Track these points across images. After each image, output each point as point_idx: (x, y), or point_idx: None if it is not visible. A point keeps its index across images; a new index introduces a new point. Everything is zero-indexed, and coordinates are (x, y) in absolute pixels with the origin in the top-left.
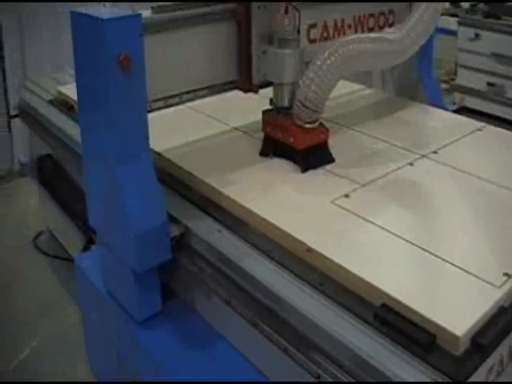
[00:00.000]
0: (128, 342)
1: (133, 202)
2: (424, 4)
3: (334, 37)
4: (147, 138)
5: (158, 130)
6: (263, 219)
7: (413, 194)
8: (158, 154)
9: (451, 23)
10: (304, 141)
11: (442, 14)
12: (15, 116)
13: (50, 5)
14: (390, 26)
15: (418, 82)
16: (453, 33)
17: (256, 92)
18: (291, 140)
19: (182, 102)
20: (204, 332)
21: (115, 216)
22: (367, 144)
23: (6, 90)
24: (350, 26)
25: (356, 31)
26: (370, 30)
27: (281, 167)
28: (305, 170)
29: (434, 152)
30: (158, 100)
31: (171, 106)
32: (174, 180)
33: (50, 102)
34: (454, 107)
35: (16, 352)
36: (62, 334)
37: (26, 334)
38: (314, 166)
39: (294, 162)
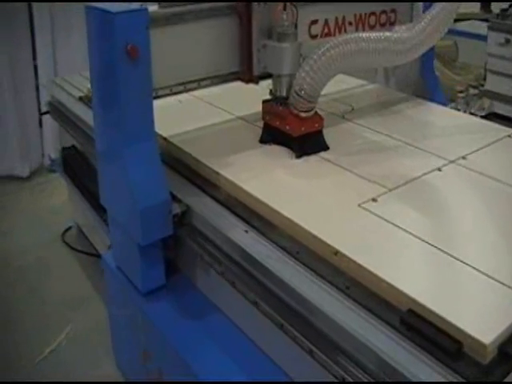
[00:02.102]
0: (152, 337)
1: (138, 180)
2: (439, 6)
3: (334, 33)
4: (153, 121)
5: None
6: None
7: (441, 199)
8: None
9: (481, 28)
10: (299, 128)
11: (473, 19)
12: (46, 113)
13: (82, 3)
14: (392, 24)
15: (420, 79)
16: (483, 38)
17: (256, 83)
18: (287, 128)
19: (187, 91)
20: (203, 304)
21: (122, 194)
22: (394, 147)
23: (37, 87)
24: (350, 23)
25: (357, 28)
26: (372, 27)
27: (277, 153)
28: (299, 156)
29: (463, 158)
30: (164, 88)
31: (176, 93)
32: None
33: (80, 98)
34: (483, 113)
35: (43, 345)
36: (89, 329)
37: (52, 328)
38: (309, 153)
39: (290, 149)
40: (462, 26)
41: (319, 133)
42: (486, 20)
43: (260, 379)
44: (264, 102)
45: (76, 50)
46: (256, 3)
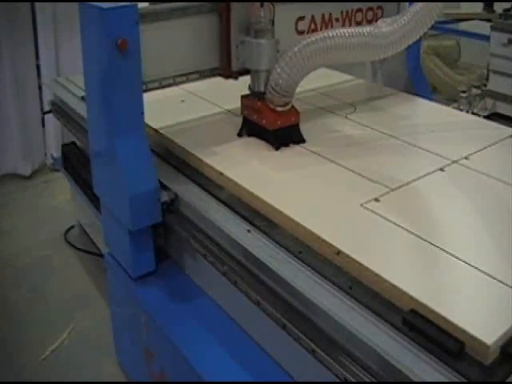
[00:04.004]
0: (154, 337)
1: (128, 169)
2: (421, 3)
3: (321, 29)
4: (142, 113)
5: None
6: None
7: (444, 200)
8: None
9: (484, 28)
10: (275, 122)
11: (475, 19)
12: (48, 112)
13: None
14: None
15: (407, 75)
16: (485, 38)
17: (236, 78)
18: (264, 122)
19: (176, 84)
20: (191, 289)
21: (113, 182)
22: (396, 147)
23: (40, 87)
24: (337, 20)
25: (344, 24)
26: (358, 23)
27: (257, 144)
28: (277, 148)
29: (466, 158)
30: (153, 81)
31: (165, 87)
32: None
33: (83, 98)
34: (486, 113)
35: (45, 344)
36: (90, 328)
37: (55, 327)
38: (286, 145)
39: (267, 142)
40: (465, 26)
41: (295, 126)
42: (488, 20)
43: (243, 358)
44: (243, 96)
45: (78, 49)
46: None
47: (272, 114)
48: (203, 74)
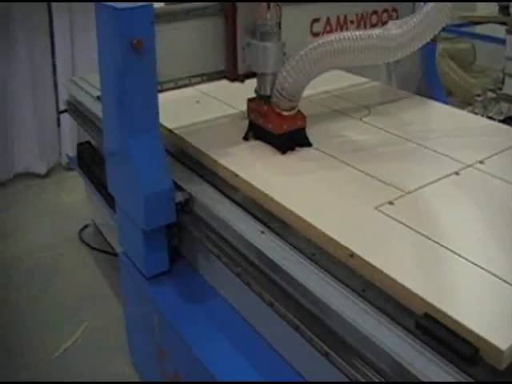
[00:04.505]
0: (167, 336)
1: (142, 169)
2: (431, 4)
3: (336, 31)
4: (157, 113)
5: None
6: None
7: (459, 204)
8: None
9: (500, 31)
10: (281, 127)
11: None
12: (64, 111)
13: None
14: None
15: (422, 78)
16: (501, 41)
17: (242, 81)
18: (270, 126)
19: (191, 85)
20: (204, 289)
21: (128, 181)
22: (409, 150)
23: (55, 86)
24: (352, 22)
25: (359, 27)
26: (373, 26)
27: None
28: (283, 152)
29: (481, 162)
30: (168, 82)
31: (181, 87)
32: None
33: (98, 98)
34: (501, 117)
35: (59, 342)
36: (103, 327)
37: (68, 325)
38: (292, 149)
39: (273, 146)
40: (480, 29)
41: (302, 130)
42: (504, 23)
43: (255, 359)
44: (249, 100)
45: (94, 49)
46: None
47: (278, 118)
48: (210, 77)
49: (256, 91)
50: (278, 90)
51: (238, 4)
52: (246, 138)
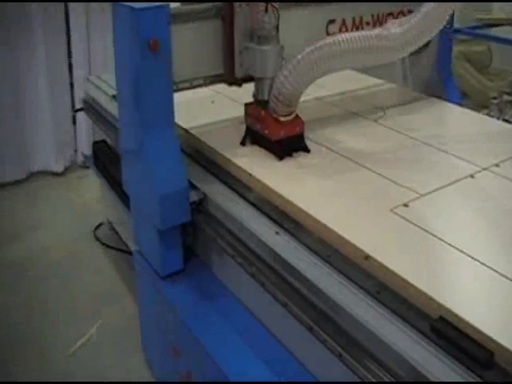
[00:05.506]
0: (181, 335)
1: (158, 168)
2: (431, 3)
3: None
4: (172, 112)
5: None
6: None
7: (474, 207)
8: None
9: None
10: (278, 132)
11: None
12: (80, 109)
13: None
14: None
15: (438, 79)
16: None
17: (239, 85)
18: (266, 132)
19: (206, 85)
20: (218, 288)
21: (143, 180)
22: (425, 152)
23: (71, 85)
24: (368, 23)
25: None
26: None
27: None
28: (280, 158)
29: (496, 165)
30: (184, 81)
31: (196, 87)
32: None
33: (114, 97)
34: None
35: (75, 338)
36: (118, 324)
37: (83, 322)
38: (290, 155)
39: (270, 152)
40: (496, 31)
41: (300, 136)
42: None
43: (268, 359)
44: (246, 104)
45: (111, 48)
46: (237, 4)
47: (275, 123)
48: (208, 80)
49: (254, 96)
50: (275, 94)
51: (235, 6)
52: (243, 143)
